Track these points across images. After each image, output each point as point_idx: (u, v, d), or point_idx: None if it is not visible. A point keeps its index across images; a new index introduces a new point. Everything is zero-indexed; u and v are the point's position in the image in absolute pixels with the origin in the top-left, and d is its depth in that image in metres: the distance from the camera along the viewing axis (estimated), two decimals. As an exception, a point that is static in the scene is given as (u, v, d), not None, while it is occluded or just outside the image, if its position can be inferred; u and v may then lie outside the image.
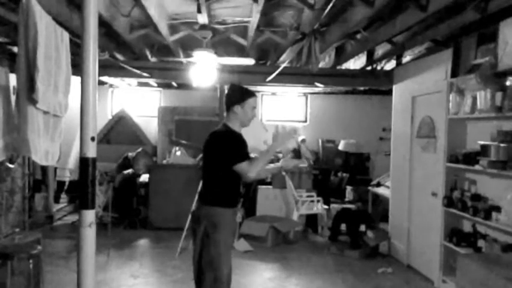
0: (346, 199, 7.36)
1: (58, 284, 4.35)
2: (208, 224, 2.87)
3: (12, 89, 3.03)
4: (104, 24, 4.14)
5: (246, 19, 4.64)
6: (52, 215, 6.84)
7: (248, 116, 2.99)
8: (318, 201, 6.68)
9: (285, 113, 8.90)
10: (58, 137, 2.99)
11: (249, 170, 2.82)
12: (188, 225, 5.37)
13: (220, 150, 2.89)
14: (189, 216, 5.50)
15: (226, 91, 3.10)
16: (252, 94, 3.02)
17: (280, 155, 8.22)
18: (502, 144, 3.50)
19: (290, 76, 6.20)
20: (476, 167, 3.81)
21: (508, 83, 3.51)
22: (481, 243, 3.85)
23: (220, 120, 6.65)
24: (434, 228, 4.56)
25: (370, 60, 5.84)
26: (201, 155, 7.15)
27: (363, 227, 6.01)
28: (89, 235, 1.87)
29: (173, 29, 5.03)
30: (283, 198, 6.95)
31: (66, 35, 2.97)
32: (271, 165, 3.39)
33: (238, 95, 3.00)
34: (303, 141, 8.42)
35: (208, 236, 2.88)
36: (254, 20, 4.27)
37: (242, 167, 2.81)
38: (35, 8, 2.46)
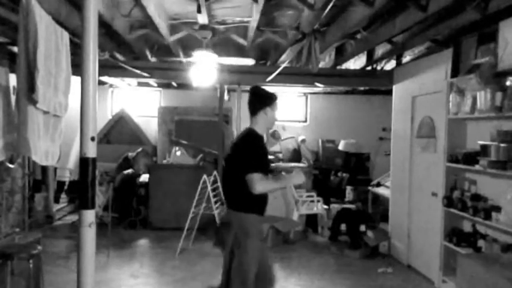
0: (346, 199, 7.35)
1: (58, 284, 4.35)
2: (239, 231, 2.87)
3: (12, 89, 3.04)
4: (104, 24, 4.14)
5: (246, 19, 4.64)
6: (52, 215, 6.84)
7: (275, 117, 3.07)
8: (318, 201, 6.67)
9: (285, 113, 8.90)
10: (58, 137, 2.99)
11: (257, 186, 2.78)
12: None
13: (241, 155, 2.90)
14: (189, 217, 5.52)
15: (250, 95, 3.07)
16: (277, 97, 3.08)
17: (280, 155, 8.23)
18: (502, 144, 3.50)
19: (290, 76, 6.19)
20: (476, 167, 3.80)
21: (508, 83, 3.51)
22: (481, 243, 3.85)
23: (220, 120, 6.66)
24: (434, 228, 4.56)
25: (370, 60, 5.84)
26: (201, 155, 7.21)
27: (363, 227, 6.01)
28: (89, 235, 1.88)
29: (173, 29, 5.02)
30: (283, 198, 6.94)
31: (66, 35, 2.97)
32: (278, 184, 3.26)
33: (267, 97, 3.03)
34: (303, 141, 8.42)
35: (239, 242, 2.87)
36: (254, 20, 4.27)
37: (253, 178, 2.77)
38: (35, 8, 2.46)
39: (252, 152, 2.88)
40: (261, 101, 3.02)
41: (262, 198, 2.96)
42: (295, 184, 3.00)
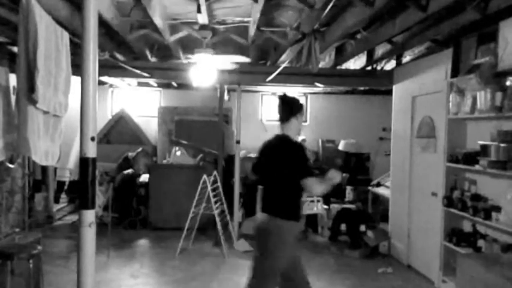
0: (346, 199, 7.35)
1: (58, 284, 4.35)
2: (277, 237, 2.91)
3: (12, 89, 3.04)
4: (104, 24, 4.13)
5: (246, 19, 4.64)
6: (52, 215, 6.84)
7: (302, 124, 3.24)
8: (318, 201, 6.67)
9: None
10: (58, 137, 2.99)
11: (316, 189, 2.95)
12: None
13: (291, 162, 2.94)
14: (189, 217, 5.51)
15: (280, 102, 3.19)
16: (303, 104, 3.26)
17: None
18: (502, 144, 3.50)
19: (290, 76, 6.19)
20: (476, 167, 3.80)
21: (508, 83, 3.51)
22: (481, 243, 3.85)
23: (220, 120, 6.65)
24: (434, 228, 4.56)
25: (370, 60, 5.84)
26: (201, 155, 7.21)
27: (363, 227, 6.01)
28: (89, 235, 1.88)
29: (173, 29, 5.02)
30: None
31: (66, 35, 2.97)
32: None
33: (298, 104, 3.16)
34: (303, 141, 8.41)
35: (274, 247, 2.92)
36: (254, 20, 4.27)
37: (311, 183, 2.88)
38: (35, 8, 2.46)
39: (302, 157, 2.98)
40: (292, 108, 3.14)
41: (299, 205, 3.05)
42: (335, 183, 3.08)
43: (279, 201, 3.00)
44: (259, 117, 8.84)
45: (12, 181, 5.28)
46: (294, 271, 3.08)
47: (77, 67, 1.96)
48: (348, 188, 7.49)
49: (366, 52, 5.69)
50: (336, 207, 6.82)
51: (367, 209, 6.87)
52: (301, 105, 3.19)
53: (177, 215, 6.12)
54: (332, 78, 6.42)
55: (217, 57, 5.40)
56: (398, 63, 5.92)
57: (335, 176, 3.03)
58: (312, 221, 6.86)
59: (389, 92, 6.10)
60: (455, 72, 4.45)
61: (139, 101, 8.88)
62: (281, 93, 3.27)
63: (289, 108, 3.14)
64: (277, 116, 3.18)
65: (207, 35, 4.91)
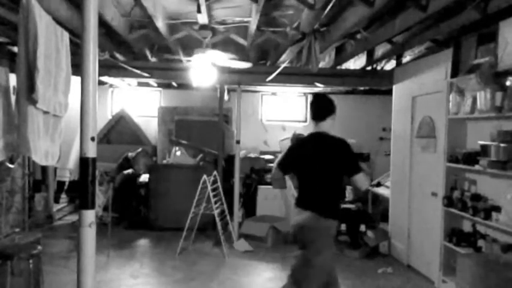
0: (346, 199, 7.35)
1: (58, 284, 4.35)
2: (325, 235, 2.95)
3: (12, 89, 3.04)
4: (104, 24, 4.13)
5: (246, 19, 4.64)
6: (52, 215, 6.84)
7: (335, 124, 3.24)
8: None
9: (285, 113, 8.90)
10: (58, 137, 2.99)
11: (365, 183, 2.96)
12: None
13: (344, 159, 2.97)
14: (189, 217, 5.51)
15: (317, 101, 3.27)
16: None
17: (280, 155, 8.22)
18: (502, 144, 3.50)
19: (290, 76, 6.19)
20: (476, 167, 3.80)
21: (508, 83, 3.51)
22: (481, 243, 3.85)
23: (220, 120, 6.65)
24: (434, 228, 4.56)
25: (370, 60, 5.84)
26: (201, 155, 7.20)
27: (363, 227, 6.01)
28: (89, 235, 1.88)
29: (173, 29, 5.03)
30: (283, 198, 6.94)
31: (66, 35, 2.97)
32: None
33: (333, 104, 3.22)
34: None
35: (323, 245, 2.95)
36: (254, 20, 4.27)
37: (362, 177, 2.91)
38: (35, 8, 2.46)
39: (353, 153, 3.02)
40: (330, 107, 3.20)
41: (340, 203, 3.15)
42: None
43: (326, 199, 3.01)
44: (259, 117, 8.83)
45: (12, 181, 5.28)
46: (330, 274, 3.09)
47: (77, 67, 1.95)
48: (348, 188, 7.48)
49: (366, 52, 5.69)
50: (335, 207, 6.82)
51: (367, 209, 6.87)
52: (335, 106, 3.22)
53: (177, 215, 6.11)
54: (332, 78, 6.42)
55: (218, 59, 5.39)
56: (398, 63, 5.92)
57: (363, 166, 3.09)
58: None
59: (389, 92, 6.10)
60: (455, 72, 4.45)
61: (139, 101, 8.88)
62: (317, 92, 3.33)
63: (327, 107, 3.19)
64: (311, 114, 3.23)
65: (207, 35, 4.91)
